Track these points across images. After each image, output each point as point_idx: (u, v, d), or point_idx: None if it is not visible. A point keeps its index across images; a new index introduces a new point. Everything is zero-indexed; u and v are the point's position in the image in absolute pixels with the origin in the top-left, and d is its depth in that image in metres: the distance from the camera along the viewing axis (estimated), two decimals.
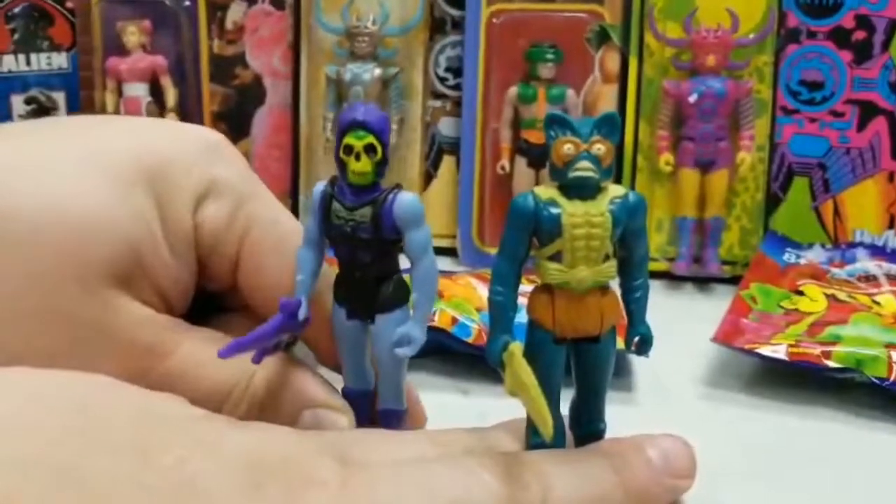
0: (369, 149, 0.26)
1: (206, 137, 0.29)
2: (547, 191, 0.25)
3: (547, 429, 0.24)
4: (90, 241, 0.25)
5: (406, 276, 0.27)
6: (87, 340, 0.26)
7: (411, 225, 0.26)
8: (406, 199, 0.26)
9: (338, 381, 0.29)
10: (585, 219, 0.25)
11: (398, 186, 0.26)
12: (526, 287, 0.26)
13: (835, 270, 0.50)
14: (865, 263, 0.51)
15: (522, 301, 0.26)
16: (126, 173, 0.27)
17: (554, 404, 0.26)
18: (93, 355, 0.25)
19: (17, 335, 0.25)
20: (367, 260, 0.27)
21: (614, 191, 0.25)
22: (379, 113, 0.26)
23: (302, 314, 0.27)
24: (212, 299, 0.30)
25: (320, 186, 0.27)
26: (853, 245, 0.53)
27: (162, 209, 0.27)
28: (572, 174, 0.25)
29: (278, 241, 0.29)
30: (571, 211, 0.25)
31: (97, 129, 0.29)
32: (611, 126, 0.25)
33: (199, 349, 0.27)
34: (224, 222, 0.28)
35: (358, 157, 0.26)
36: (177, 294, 0.28)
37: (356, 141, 0.26)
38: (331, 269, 0.28)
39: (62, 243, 0.25)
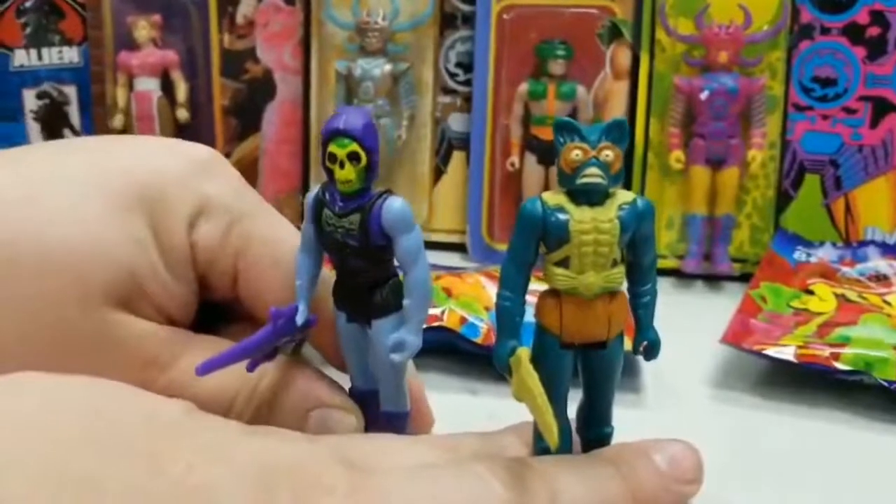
0: (353, 156, 0.25)
1: (198, 155, 0.30)
2: (555, 196, 0.25)
3: (552, 437, 0.24)
4: (89, 266, 0.26)
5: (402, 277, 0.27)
6: (90, 355, 0.26)
7: (400, 231, 0.26)
8: (394, 206, 0.26)
9: (346, 381, 0.30)
10: (593, 225, 0.25)
11: (388, 191, 0.26)
12: (535, 286, 0.26)
13: (845, 269, 0.50)
14: (877, 262, 0.50)
15: (531, 300, 0.26)
16: (121, 197, 0.27)
17: (561, 409, 0.26)
18: (97, 368, 0.26)
19: (24, 352, 0.26)
20: (358, 266, 0.26)
21: (623, 197, 0.25)
22: (363, 119, 0.26)
23: (300, 318, 0.27)
24: (220, 308, 0.30)
25: (313, 192, 0.27)
26: (864, 243, 0.53)
27: (157, 231, 0.28)
28: (580, 181, 0.25)
29: (276, 257, 0.29)
30: (579, 217, 0.25)
31: (97, 153, 0.29)
32: (619, 132, 0.25)
33: (201, 357, 0.27)
34: (218, 240, 0.29)
35: (342, 166, 0.26)
36: (177, 309, 0.28)
37: (339, 149, 0.25)
38: (330, 274, 0.28)
39: (63, 267, 0.26)
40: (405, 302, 0.26)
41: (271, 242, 0.29)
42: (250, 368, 0.27)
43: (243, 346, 0.26)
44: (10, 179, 0.27)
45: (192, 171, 0.29)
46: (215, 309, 0.30)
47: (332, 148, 0.26)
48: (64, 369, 0.24)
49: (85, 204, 0.26)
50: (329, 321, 0.28)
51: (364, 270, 0.26)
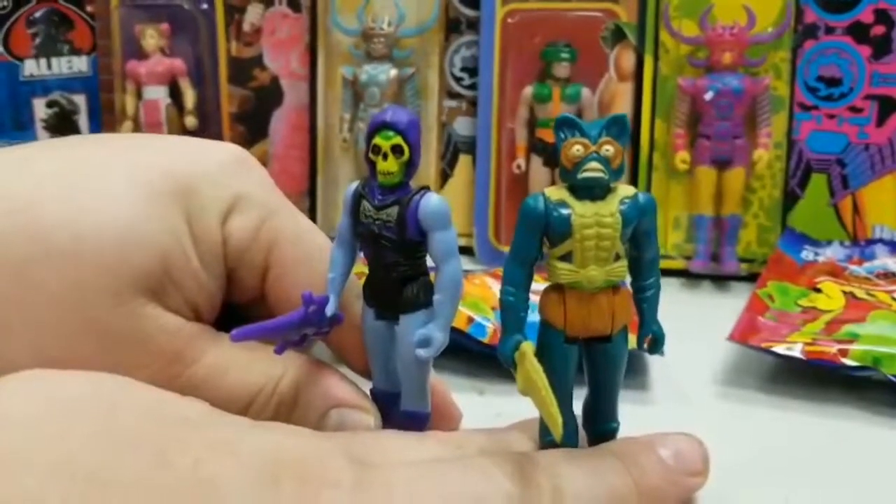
0: (396, 149, 0.26)
1: (232, 153, 0.30)
2: (557, 192, 0.25)
3: (557, 429, 0.24)
4: (126, 254, 0.26)
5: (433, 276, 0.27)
6: (118, 348, 0.26)
7: (436, 227, 0.26)
8: (432, 201, 0.26)
9: (365, 385, 0.30)
10: (595, 219, 0.25)
11: (426, 188, 0.27)
12: (539, 285, 0.26)
13: (853, 267, 0.49)
14: (884, 260, 0.50)
15: (535, 299, 0.26)
16: (159, 189, 0.27)
17: (566, 404, 0.26)
18: (124, 362, 0.26)
19: (55, 341, 0.26)
20: (392, 260, 0.27)
21: (624, 191, 0.25)
22: (408, 115, 0.26)
23: (330, 310, 0.27)
24: (240, 311, 0.31)
25: (353, 186, 0.28)
26: (872, 242, 0.52)
27: (191, 223, 0.28)
28: (581, 175, 0.25)
29: (305, 254, 0.29)
30: (581, 212, 0.25)
31: (133, 146, 0.30)
32: (620, 127, 0.25)
33: (225, 354, 0.28)
34: (250, 234, 0.29)
35: (385, 157, 0.26)
36: (205, 304, 0.29)
37: (383, 141, 0.26)
38: (357, 282, 0.29)
39: (100, 255, 0.26)
40: (435, 297, 0.26)
41: (299, 240, 0.30)
42: (279, 351, 0.27)
43: (276, 323, 0.26)
44: (47, 170, 0.27)
45: (226, 167, 0.29)
46: (233, 313, 0.31)
47: (377, 140, 0.26)
48: (91, 360, 0.24)
49: (121, 194, 0.27)
50: (354, 322, 0.28)
51: (397, 264, 0.27)
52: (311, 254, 0.29)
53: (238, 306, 0.31)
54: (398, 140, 0.26)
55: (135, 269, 0.26)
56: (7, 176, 0.27)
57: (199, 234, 0.28)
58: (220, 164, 0.29)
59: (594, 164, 0.25)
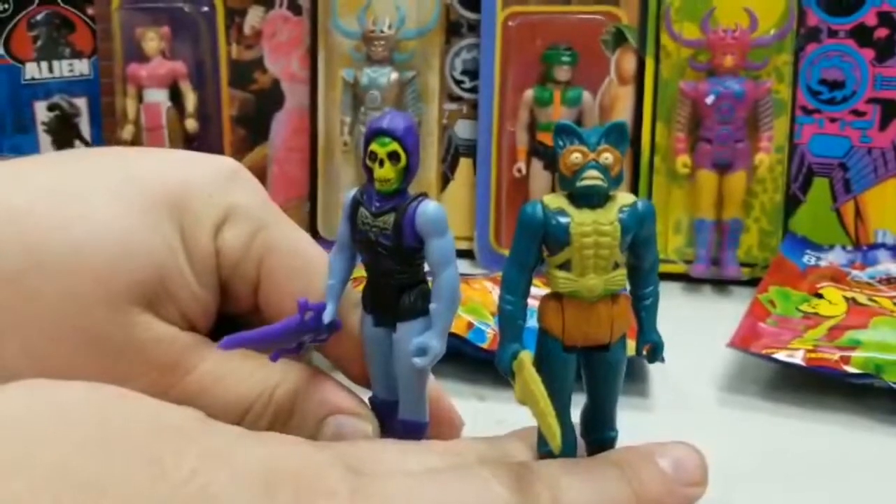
0: (393, 156, 0.26)
1: (224, 166, 0.30)
2: (556, 199, 0.25)
3: (555, 440, 0.24)
4: (121, 266, 0.26)
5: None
6: (113, 357, 0.27)
7: (433, 234, 0.26)
8: (429, 208, 0.26)
9: (364, 394, 0.30)
10: (594, 227, 0.25)
11: (423, 195, 0.26)
12: (538, 290, 0.26)
13: (855, 272, 0.49)
14: (887, 265, 0.50)
15: (534, 304, 0.26)
16: (153, 201, 0.28)
17: (564, 412, 0.26)
18: (119, 371, 0.26)
19: (50, 351, 0.26)
20: (389, 267, 0.27)
21: (623, 199, 0.25)
22: (405, 121, 0.26)
23: (328, 317, 0.27)
24: (236, 321, 0.31)
25: (351, 192, 0.27)
26: (875, 246, 0.52)
27: (185, 236, 0.28)
28: (580, 183, 0.25)
29: (298, 266, 0.29)
30: (580, 220, 0.25)
31: (127, 159, 0.30)
32: (619, 135, 0.25)
33: (221, 363, 0.28)
34: (242, 246, 0.29)
35: (382, 164, 0.26)
36: (200, 315, 0.29)
37: (380, 148, 0.26)
38: (355, 291, 0.28)
39: (97, 267, 0.26)
40: (432, 306, 0.26)
41: (292, 252, 0.30)
42: (274, 358, 0.27)
43: (268, 331, 0.26)
44: (41, 182, 0.27)
45: (218, 180, 0.29)
46: (229, 323, 0.31)
47: (373, 146, 0.26)
48: (87, 370, 0.25)
49: (116, 206, 0.27)
50: (352, 331, 0.28)
51: (394, 271, 0.27)
52: (304, 266, 0.29)
53: (233, 317, 0.30)
54: (395, 147, 0.26)
55: (129, 279, 0.26)
56: (2, 188, 0.27)
57: (192, 245, 0.28)
58: (212, 176, 0.29)
59: (593, 173, 0.24)
